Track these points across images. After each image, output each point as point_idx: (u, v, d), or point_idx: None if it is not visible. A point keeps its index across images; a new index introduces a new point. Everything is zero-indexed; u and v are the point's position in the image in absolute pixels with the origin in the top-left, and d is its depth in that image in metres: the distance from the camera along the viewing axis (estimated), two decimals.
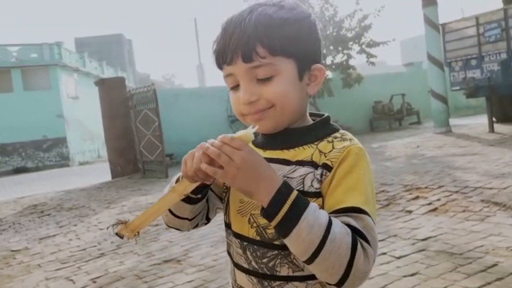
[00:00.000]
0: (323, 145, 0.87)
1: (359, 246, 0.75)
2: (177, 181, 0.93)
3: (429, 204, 4.58)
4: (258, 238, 0.87)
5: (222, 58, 0.85)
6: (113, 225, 0.86)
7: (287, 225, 0.74)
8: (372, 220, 0.80)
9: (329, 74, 13.90)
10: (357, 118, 15.46)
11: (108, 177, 11.22)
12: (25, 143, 19.94)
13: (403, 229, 3.92)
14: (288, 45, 0.83)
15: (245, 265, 0.90)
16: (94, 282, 3.72)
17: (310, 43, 0.88)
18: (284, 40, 0.83)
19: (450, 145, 8.85)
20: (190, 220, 0.99)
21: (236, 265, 0.93)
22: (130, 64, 37.58)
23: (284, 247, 0.82)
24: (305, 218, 0.73)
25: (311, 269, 0.77)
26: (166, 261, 3.99)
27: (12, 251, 5.27)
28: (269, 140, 0.90)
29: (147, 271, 3.79)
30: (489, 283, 2.63)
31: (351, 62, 13.69)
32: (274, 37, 0.82)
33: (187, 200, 0.93)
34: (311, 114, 0.94)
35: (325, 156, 0.84)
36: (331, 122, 0.93)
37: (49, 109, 20.05)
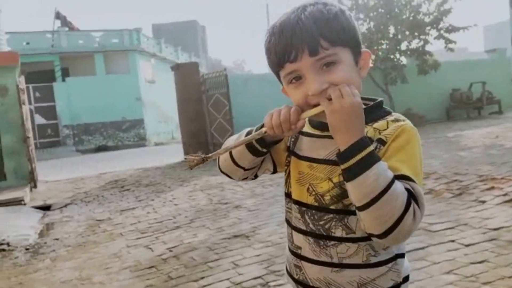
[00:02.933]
0: (378, 125, 0.96)
1: (412, 205, 0.85)
2: (247, 134, 1.06)
3: (505, 195, 4.39)
4: (315, 203, 0.99)
5: (285, 57, 0.94)
6: (193, 157, 1.02)
7: (358, 170, 0.85)
8: (422, 192, 0.90)
9: (403, 60, 13.43)
10: (433, 107, 14.81)
11: (181, 157, 11.79)
12: (106, 123, 21.36)
13: (475, 219, 3.82)
14: (344, 35, 0.94)
15: (303, 227, 1.02)
16: (170, 251, 4.04)
17: (356, 31, 0.99)
18: (340, 31, 0.93)
19: None
20: (245, 170, 1.11)
21: (294, 228, 1.05)
22: (203, 50, 38.64)
23: (338, 212, 0.94)
24: (374, 169, 0.85)
25: (362, 216, 0.87)
26: (235, 236, 4.22)
27: (97, 220, 5.80)
28: (325, 122, 0.95)
29: (218, 244, 4.04)
30: None
31: (428, 48, 13.11)
32: (332, 29, 0.92)
33: (253, 151, 1.06)
34: (364, 99, 1.01)
35: (379, 133, 0.94)
36: (384, 106, 1.03)
37: (128, 92, 21.26)
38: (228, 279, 3.18)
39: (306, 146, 1.03)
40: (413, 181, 0.88)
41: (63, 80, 20.93)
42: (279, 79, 1.02)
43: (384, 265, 0.97)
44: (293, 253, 1.06)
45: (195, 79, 12.00)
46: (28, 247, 4.80)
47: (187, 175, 8.52)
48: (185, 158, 1.05)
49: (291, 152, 1.06)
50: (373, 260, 0.96)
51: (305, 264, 1.02)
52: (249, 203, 5.64)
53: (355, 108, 0.87)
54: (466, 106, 14.91)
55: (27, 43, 20.35)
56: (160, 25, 36.20)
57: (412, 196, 0.86)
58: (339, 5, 0.98)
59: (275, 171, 1.15)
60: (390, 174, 0.85)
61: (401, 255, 1.01)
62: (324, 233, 0.98)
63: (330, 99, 0.88)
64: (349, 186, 0.88)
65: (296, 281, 1.06)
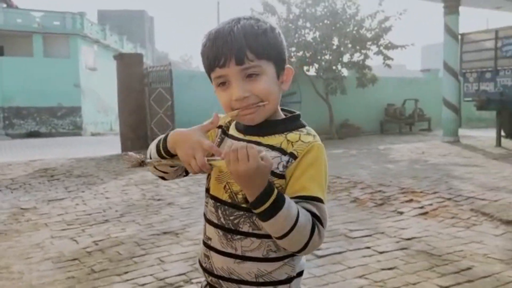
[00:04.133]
0: (291, 136, 1.08)
1: (316, 229, 1.00)
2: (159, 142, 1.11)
3: (421, 207, 4.75)
4: (229, 200, 1.10)
5: (215, 62, 1.04)
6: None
7: (267, 215, 0.96)
8: (324, 205, 1.05)
9: (344, 72, 13.97)
10: (368, 119, 15.55)
11: (118, 150, 11.51)
12: (40, 108, 20.34)
13: (391, 228, 4.11)
14: (269, 50, 1.05)
15: (215, 221, 1.12)
16: (96, 244, 3.98)
17: (283, 48, 1.10)
18: (266, 46, 1.04)
19: (455, 154, 8.96)
20: (172, 172, 1.19)
21: (208, 221, 1.16)
22: (150, 41, 37.81)
23: (248, 210, 1.04)
24: (282, 212, 0.95)
25: (279, 243, 1.02)
26: (164, 233, 4.24)
27: (22, 209, 5.56)
28: (249, 128, 1.10)
29: (146, 240, 4.04)
30: (459, 284, 2.83)
31: (368, 62, 13.75)
32: (259, 44, 1.03)
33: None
34: (284, 110, 1.16)
35: (292, 146, 1.06)
36: (301, 119, 1.15)
37: (67, 77, 20.38)
38: (151, 274, 3.21)
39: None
40: (320, 200, 1.02)
41: None
42: (211, 81, 1.11)
43: (281, 260, 1.09)
44: (204, 243, 1.16)
45: (138, 71, 11.78)
46: None
47: (122, 169, 8.35)
48: (125, 154, 1.11)
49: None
50: (272, 255, 1.08)
51: (213, 254, 1.12)
52: (183, 200, 5.66)
53: (249, 172, 0.91)
54: (399, 121, 15.79)
55: None
56: (106, 11, 34.98)
57: (317, 219, 1.01)
58: (270, 23, 1.09)
59: None
60: (294, 212, 0.97)
61: None
62: (233, 228, 1.09)
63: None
64: (264, 224, 0.99)
65: (204, 269, 1.16)
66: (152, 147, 1.14)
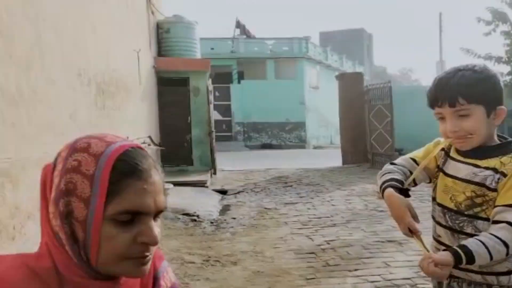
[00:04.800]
0: (504, 159, 1.35)
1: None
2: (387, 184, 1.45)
3: None
4: (455, 208, 1.41)
5: (435, 103, 1.40)
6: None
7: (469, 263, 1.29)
8: None
9: None
10: None
11: (338, 162, 12.26)
12: (271, 123, 23.10)
13: None
14: (479, 96, 1.34)
15: (443, 223, 1.45)
16: (328, 243, 4.59)
17: (495, 93, 1.37)
18: (477, 94, 1.34)
19: None
20: None
21: (437, 222, 1.49)
22: (368, 57, 38.39)
23: (470, 216, 1.36)
24: (477, 258, 1.26)
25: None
26: (389, 241, 4.56)
27: (265, 208, 6.68)
28: (468, 152, 1.41)
29: (372, 245, 4.44)
30: None
31: None
32: (470, 92, 1.33)
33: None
34: (500, 136, 1.43)
35: (504, 166, 1.33)
36: None
37: (293, 96, 22.63)
38: (379, 275, 3.59)
39: (452, 167, 1.46)
40: None
41: (239, 82, 23.31)
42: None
43: None
44: (435, 239, 1.51)
45: (358, 89, 12.33)
46: (212, 221, 5.87)
47: (344, 180, 8.97)
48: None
49: (440, 169, 1.50)
50: None
51: (442, 247, 1.45)
52: None
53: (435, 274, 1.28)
54: None
55: (212, 48, 23.17)
56: (327, 33, 37.22)
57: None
58: (487, 72, 1.38)
59: (430, 181, 1.59)
60: (484, 250, 1.26)
61: None
62: (458, 229, 1.41)
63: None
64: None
65: None
66: (378, 182, 1.52)
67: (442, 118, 1.40)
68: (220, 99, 22.49)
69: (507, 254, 1.26)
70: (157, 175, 0.74)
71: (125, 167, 0.70)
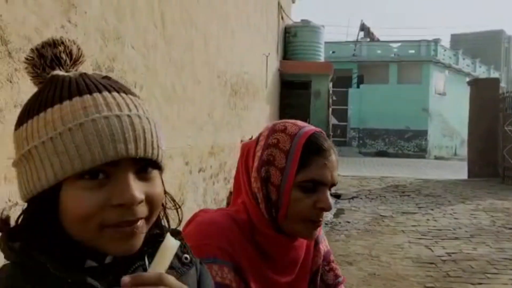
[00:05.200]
0: None
1: None
2: None
3: None
4: None
5: None
6: None
7: None
8: None
9: None
10: None
11: (463, 175, 11.50)
12: (389, 130, 22.34)
13: None
14: None
15: None
16: (449, 255, 4.45)
17: None
18: None
19: None
20: None
21: None
22: (506, 62, 34.84)
23: None
24: None
25: None
26: None
27: (381, 215, 6.63)
28: None
29: (498, 261, 4.21)
30: None
31: None
32: None
33: None
34: None
35: None
36: None
37: (416, 102, 21.56)
38: None
39: None
40: None
41: (358, 86, 22.97)
42: None
43: None
44: None
45: (493, 96, 11.41)
46: (326, 222, 6.02)
47: (469, 194, 8.43)
48: None
49: None
50: None
51: None
52: None
53: None
54: None
55: (333, 52, 23.19)
56: (459, 35, 34.61)
57: None
58: None
59: None
60: None
61: None
62: None
63: None
64: None
65: None
66: None
67: None
68: (336, 103, 22.36)
69: None
70: (334, 155, 0.93)
71: (313, 146, 0.91)
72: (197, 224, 0.93)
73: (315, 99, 10.46)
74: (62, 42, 0.58)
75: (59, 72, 0.56)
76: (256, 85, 7.21)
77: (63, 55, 0.57)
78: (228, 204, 1.34)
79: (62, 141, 0.51)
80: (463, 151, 18.75)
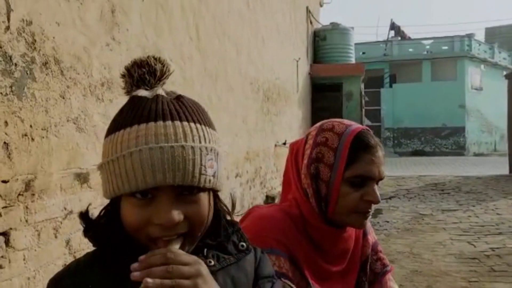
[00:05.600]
0: None
1: None
2: None
3: None
4: None
5: None
6: None
7: None
8: None
9: None
10: None
11: (504, 170, 11.17)
12: (425, 129, 21.86)
13: None
14: None
15: None
16: (493, 250, 4.38)
17: None
18: None
19: None
20: None
21: None
22: None
23: None
24: None
25: None
26: None
27: (420, 214, 6.56)
28: None
29: None
30: None
31: None
32: None
33: None
34: None
35: None
36: None
37: (452, 99, 21.03)
38: None
39: None
40: None
41: (390, 86, 22.64)
42: None
43: None
44: None
45: None
46: None
47: (511, 189, 8.21)
48: None
49: None
50: None
51: None
52: None
53: None
54: None
55: (363, 53, 22.98)
56: (494, 28, 33.52)
57: None
58: None
59: None
60: None
61: None
62: None
63: None
64: None
65: None
66: None
67: None
68: (369, 104, 22.07)
69: None
70: (380, 151, 0.98)
71: (360, 143, 0.96)
72: (254, 218, 1.01)
73: (347, 101, 10.43)
74: (147, 63, 0.66)
75: (138, 92, 0.65)
76: (287, 90, 7.31)
77: (147, 76, 0.65)
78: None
79: (118, 165, 0.62)
80: (503, 146, 18.13)
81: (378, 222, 6.03)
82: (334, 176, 0.96)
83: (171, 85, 2.51)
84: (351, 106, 10.40)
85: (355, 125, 1.01)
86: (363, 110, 11.08)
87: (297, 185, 1.02)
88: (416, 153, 21.65)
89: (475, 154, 21.19)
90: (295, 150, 1.06)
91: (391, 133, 22.65)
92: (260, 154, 5.56)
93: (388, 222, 6.05)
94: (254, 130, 5.28)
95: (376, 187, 0.97)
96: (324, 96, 10.33)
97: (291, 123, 7.75)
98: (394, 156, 20.58)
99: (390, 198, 8.10)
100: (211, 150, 0.64)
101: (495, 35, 30.99)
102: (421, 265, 4.04)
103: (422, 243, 4.82)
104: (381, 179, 0.99)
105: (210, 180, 0.63)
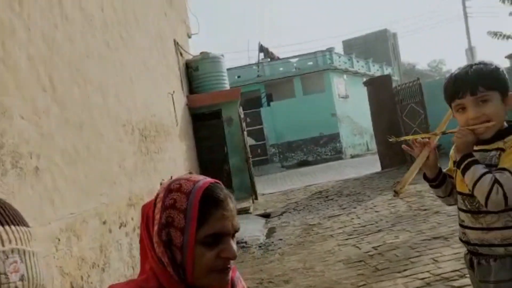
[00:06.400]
0: (508, 138, 1.56)
1: (494, 186, 1.47)
2: None
3: None
4: (469, 192, 1.61)
5: (456, 95, 1.62)
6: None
7: (465, 169, 1.55)
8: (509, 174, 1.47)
9: None
10: None
11: (377, 168, 12.29)
12: (305, 140, 23.30)
13: None
14: (495, 83, 1.57)
15: (464, 208, 1.67)
16: (375, 249, 4.74)
17: (505, 81, 1.60)
18: (492, 81, 1.57)
19: None
20: (448, 196, 1.79)
21: (460, 209, 1.70)
22: (395, 57, 38.04)
23: None
24: (473, 168, 1.53)
25: (474, 192, 1.53)
26: (435, 238, 4.67)
27: (310, 224, 6.87)
28: (479, 140, 1.61)
29: (418, 244, 4.56)
30: None
31: None
32: (487, 80, 1.57)
33: (434, 186, 1.77)
34: (507, 122, 1.63)
35: (504, 144, 1.55)
36: None
37: (324, 109, 22.80)
38: (428, 271, 3.73)
39: None
40: (506, 170, 1.49)
41: (268, 104, 23.73)
42: (451, 108, 1.70)
43: None
44: (460, 225, 1.71)
45: (388, 91, 12.41)
46: (260, 245, 6.12)
47: (385, 185, 9.02)
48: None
49: (457, 164, 1.71)
50: (510, 224, 1.55)
51: (467, 230, 1.66)
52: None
53: (465, 143, 1.58)
54: None
55: (238, 76, 23.81)
56: (350, 40, 37.30)
57: (496, 181, 1.47)
58: (495, 64, 1.62)
59: None
60: (482, 171, 1.51)
61: None
62: (476, 210, 1.62)
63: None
64: (464, 179, 1.57)
65: (463, 242, 1.70)
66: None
67: (462, 109, 1.61)
68: (251, 124, 22.93)
69: (487, 196, 1.49)
70: (231, 203, 0.97)
71: (209, 200, 0.93)
72: None
73: (229, 126, 10.65)
74: None
75: None
76: (166, 125, 7.20)
77: None
78: None
79: None
80: (374, 146, 20.07)
81: (272, 242, 6.17)
82: (187, 240, 0.92)
83: (25, 144, 2.28)
84: (233, 131, 10.63)
85: (203, 180, 0.98)
86: (245, 132, 11.38)
87: (152, 254, 0.96)
88: (301, 164, 22.85)
89: (352, 156, 23.07)
90: (146, 216, 1.00)
91: (276, 149, 23.64)
92: (145, 197, 5.34)
93: (281, 239, 6.22)
94: (135, 173, 5.06)
95: (232, 241, 0.96)
96: (205, 125, 10.41)
97: (175, 157, 7.62)
98: (282, 171, 21.46)
99: (281, 214, 8.37)
100: (12, 251, 0.57)
101: (351, 47, 34.46)
102: (314, 278, 4.20)
103: (313, 255, 5.03)
104: (236, 231, 0.98)
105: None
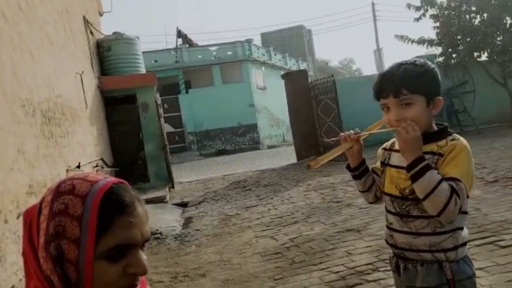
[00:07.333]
0: (441, 142, 1.51)
1: (453, 197, 1.40)
2: None
3: None
4: (400, 195, 1.57)
5: (380, 94, 1.56)
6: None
7: (417, 176, 1.42)
8: (465, 187, 1.42)
9: None
10: None
11: (293, 159, 12.54)
12: (224, 129, 23.17)
13: None
14: (420, 87, 1.51)
15: (393, 210, 1.61)
16: (292, 241, 4.75)
17: (434, 85, 1.54)
18: (418, 85, 1.50)
19: None
20: (366, 192, 1.73)
21: (387, 211, 1.65)
22: (310, 53, 39.25)
23: (414, 199, 1.50)
24: (427, 175, 1.41)
25: (425, 204, 1.44)
26: (348, 230, 4.78)
27: (228, 215, 6.77)
28: None
29: (333, 236, 4.64)
30: None
31: None
32: (412, 83, 1.50)
33: (355, 177, 1.69)
34: (438, 124, 1.58)
35: (441, 148, 1.49)
36: (448, 129, 1.56)
37: (242, 99, 22.83)
38: (342, 264, 3.78)
39: (395, 159, 1.63)
40: (459, 180, 1.42)
41: (187, 92, 23.18)
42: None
43: (446, 233, 1.51)
44: (387, 227, 1.65)
45: (304, 86, 12.68)
46: (176, 236, 5.89)
47: (300, 176, 9.22)
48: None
49: (385, 164, 1.66)
50: (439, 230, 1.51)
51: (394, 233, 1.61)
52: (360, 201, 6.11)
53: (413, 140, 1.44)
54: None
55: (155, 61, 22.92)
56: (268, 34, 37.73)
57: (454, 191, 1.41)
58: (427, 66, 1.55)
59: None
60: (438, 178, 1.41)
61: (461, 228, 1.54)
62: (405, 213, 1.56)
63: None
64: (414, 185, 1.46)
65: (390, 245, 1.65)
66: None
67: (387, 109, 1.55)
68: (170, 111, 22.30)
69: (444, 207, 1.38)
70: (140, 207, 0.80)
71: (111, 205, 0.75)
72: None
73: (144, 112, 10.16)
74: None
75: None
76: (74, 107, 6.62)
77: None
78: None
79: None
80: (290, 137, 20.54)
81: (189, 233, 5.97)
82: (84, 254, 0.72)
83: None
84: (149, 117, 10.18)
85: (104, 180, 0.78)
86: (162, 118, 10.95)
87: (37, 272, 0.75)
88: (220, 152, 22.72)
89: (269, 147, 23.41)
90: (29, 224, 0.78)
91: (194, 137, 23.24)
92: (48, 184, 4.84)
93: (198, 230, 6.04)
94: (36, 159, 4.55)
95: (141, 253, 0.78)
96: (119, 109, 9.83)
97: (84, 142, 7.06)
98: (200, 158, 21.18)
99: (199, 203, 8.17)
100: None
101: (269, 40, 34.89)
102: (231, 271, 4.09)
103: (231, 247, 4.92)
104: (146, 240, 0.80)
105: None
